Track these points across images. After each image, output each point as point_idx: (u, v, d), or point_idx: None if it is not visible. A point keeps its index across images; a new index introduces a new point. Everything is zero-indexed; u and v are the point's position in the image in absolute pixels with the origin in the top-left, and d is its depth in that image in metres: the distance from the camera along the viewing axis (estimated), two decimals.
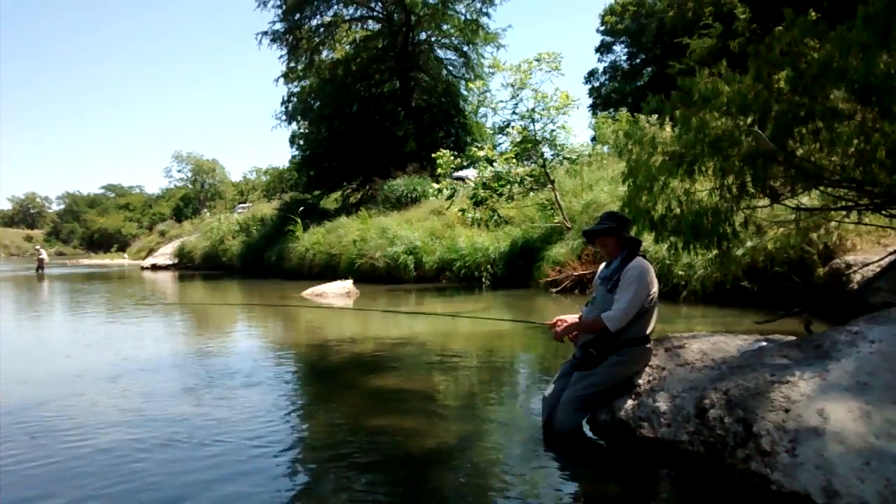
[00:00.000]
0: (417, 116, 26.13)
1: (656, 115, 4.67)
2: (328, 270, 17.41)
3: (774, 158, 4.09)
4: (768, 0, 19.45)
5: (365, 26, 27.60)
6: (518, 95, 13.14)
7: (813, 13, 4.01)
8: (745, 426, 2.57)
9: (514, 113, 13.51)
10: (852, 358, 2.66)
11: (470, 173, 17.26)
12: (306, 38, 25.88)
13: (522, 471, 3.07)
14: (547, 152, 13.56)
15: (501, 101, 19.56)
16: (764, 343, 3.28)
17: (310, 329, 8.69)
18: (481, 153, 14.49)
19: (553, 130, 13.25)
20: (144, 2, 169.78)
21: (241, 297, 14.21)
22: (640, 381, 3.29)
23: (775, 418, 2.49)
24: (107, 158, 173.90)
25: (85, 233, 79.80)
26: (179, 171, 68.66)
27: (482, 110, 26.58)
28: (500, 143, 17.34)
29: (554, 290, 11.02)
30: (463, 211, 14.55)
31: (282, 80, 27.26)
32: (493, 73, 23.34)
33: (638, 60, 37.14)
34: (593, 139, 20.61)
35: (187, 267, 28.77)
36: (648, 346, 3.40)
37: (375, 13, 26.83)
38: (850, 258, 6.96)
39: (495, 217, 14.05)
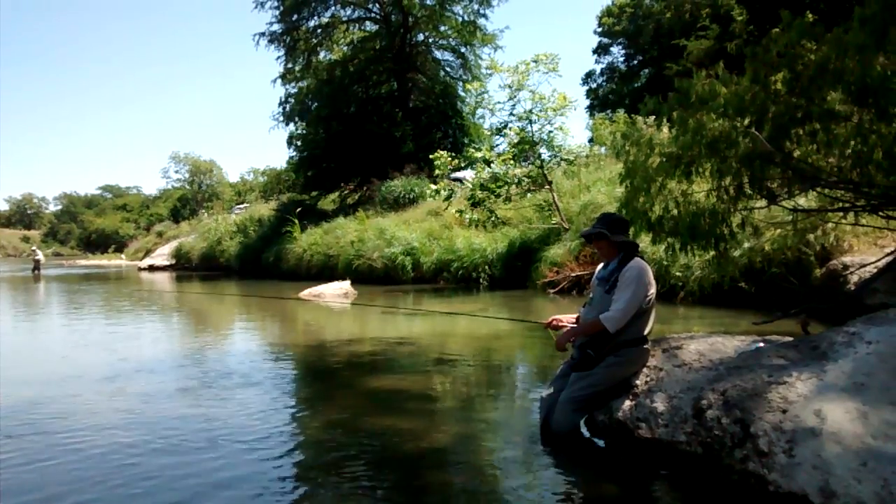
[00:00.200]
0: (415, 117, 26.10)
1: (654, 117, 4.67)
2: (326, 271, 17.38)
3: (771, 160, 4.10)
4: (765, 2, 19.49)
5: (362, 27, 27.56)
6: (515, 97, 13.13)
7: (810, 15, 4.02)
8: (743, 427, 2.57)
9: (511, 114, 13.51)
10: (849, 359, 2.67)
11: (467, 174, 17.24)
12: (304, 40, 25.83)
13: (520, 471, 3.08)
14: (544, 153, 13.58)
15: (499, 103, 19.55)
16: (761, 344, 3.28)
17: (308, 329, 8.68)
18: (479, 154, 14.49)
19: (550, 131, 13.27)
20: (142, 3, 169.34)
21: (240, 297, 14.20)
22: (638, 382, 3.29)
23: (773, 419, 2.49)
24: (104, 159, 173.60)
25: (82, 233, 79.61)
26: (177, 171, 68.90)
27: (480, 111, 26.56)
28: (497, 145, 17.32)
29: (552, 290, 11.03)
30: (460, 212, 14.54)
31: (279, 81, 27.22)
32: (490, 75, 23.39)
33: (635, 62, 37.18)
34: (591, 140, 20.61)
35: (185, 268, 28.68)
36: (646, 346, 3.40)
37: (373, 14, 26.78)
38: (847, 259, 6.99)
39: (493, 218, 14.05)
